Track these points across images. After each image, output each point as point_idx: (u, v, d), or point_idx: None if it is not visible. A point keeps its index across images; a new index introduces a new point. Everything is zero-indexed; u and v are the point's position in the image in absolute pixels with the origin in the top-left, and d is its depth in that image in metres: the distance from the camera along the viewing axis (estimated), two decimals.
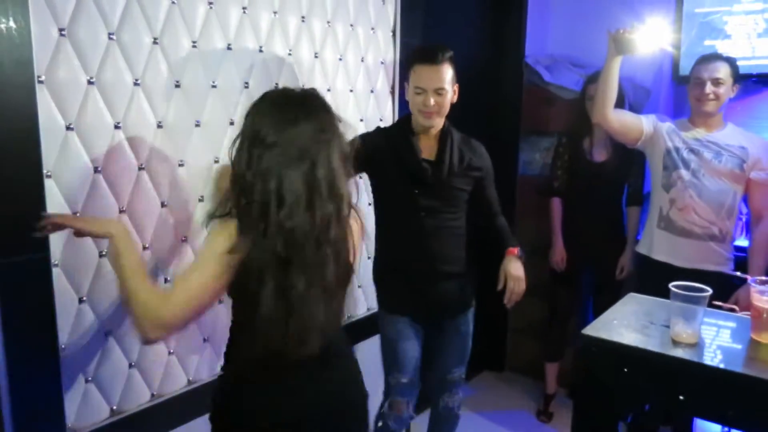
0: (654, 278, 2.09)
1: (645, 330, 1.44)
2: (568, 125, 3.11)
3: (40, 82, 1.46)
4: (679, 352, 1.33)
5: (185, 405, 1.82)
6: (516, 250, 2.21)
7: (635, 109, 2.99)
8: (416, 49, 2.21)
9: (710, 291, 1.40)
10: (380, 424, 2.22)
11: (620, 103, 2.70)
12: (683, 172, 2.54)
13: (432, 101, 2.03)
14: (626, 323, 1.48)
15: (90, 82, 1.55)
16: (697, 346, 1.37)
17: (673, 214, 2.57)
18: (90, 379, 1.64)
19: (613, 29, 2.36)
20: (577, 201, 3.00)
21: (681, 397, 1.30)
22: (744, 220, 2.96)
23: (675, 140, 2.57)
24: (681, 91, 3.25)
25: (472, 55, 3.30)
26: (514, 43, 3.35)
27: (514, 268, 2.18)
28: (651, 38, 2.34)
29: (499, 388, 3.53)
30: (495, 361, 3.71)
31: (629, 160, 2.88)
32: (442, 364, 2.29)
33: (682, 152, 2.55)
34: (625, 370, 1.35)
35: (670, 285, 1.42)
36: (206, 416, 1.43)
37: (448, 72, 2.04)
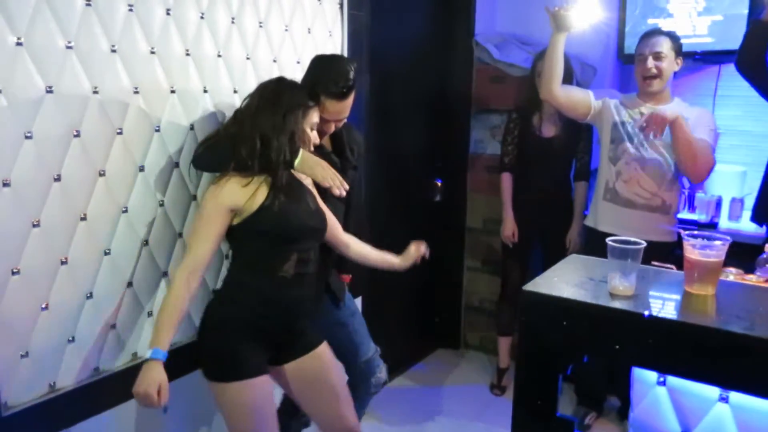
0: (601, 249, 2.11)
1: (584, 285, 1.47)
2: (518, 102, 3.15)
3: None
4: (615, 304, 1.36)
5: (128, 382, 1.77)
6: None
7: (582, 86, 3.05)
8: (320, 76, 1.90)
9: (644, 244, 1.44)
10: None
11: (568, 80, 2.75)
12: (628, 145, 2.60)
13: (332, 127, 1.98)
14: (566, 280, 1.51)
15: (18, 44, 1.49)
16: (634, 298, 1.41)
17: (618, 186, 2.63)
18: (25, 354, 1.58)
19: (551, 7, 2.41)
20: (527, 176, 3.04)
21: (617, 347, 1.34)
22: (686, 194, 3.06)
23: (622, 114, 2.63)
24: (626, 70, 3.34)
25: (420, 32, 3.31)
26: (464, 20, 3.38)
27: None
28: (585, 15, 2.41)
29: (454, 365, 3.57)
30: (450, 338, 3.74)
31: (578, 136, 2.95)
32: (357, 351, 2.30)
33: (627, 126, 2.61)
34: (564, 323, 1.38)
35: (607, 240, 1.45)
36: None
37: (353, 95, 1.95)
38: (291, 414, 2.19)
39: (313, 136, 1.81)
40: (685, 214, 3.01)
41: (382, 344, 2.32)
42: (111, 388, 1.77)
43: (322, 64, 1.96)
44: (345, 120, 2.00)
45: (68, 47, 1.59)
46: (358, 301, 2.60)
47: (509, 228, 3.07)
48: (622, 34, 3.27)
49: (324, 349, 1.92)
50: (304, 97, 1.78)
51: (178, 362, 1.74)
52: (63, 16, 1.57)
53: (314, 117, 1.80)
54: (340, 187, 1.77)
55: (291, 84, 1.81)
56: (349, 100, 1.92)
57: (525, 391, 1.47)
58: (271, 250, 1.75)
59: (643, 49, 2.56)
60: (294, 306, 1.80)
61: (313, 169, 1.77)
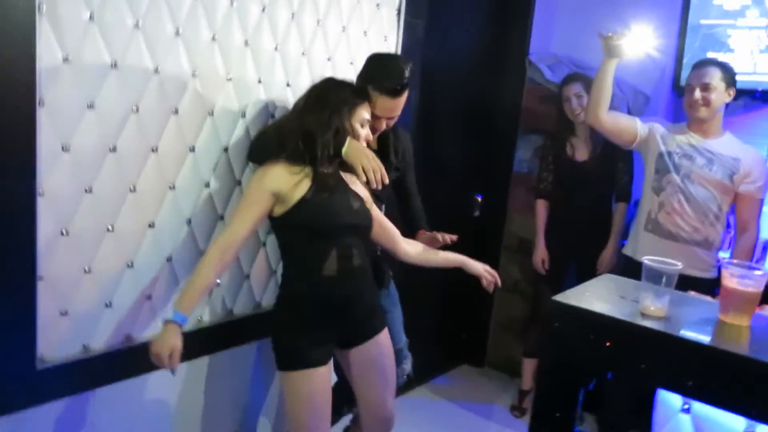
0: (636, 279, 2.10)
1: (614, 302, 1.45)
2: (551, 127, 3.14)
3: (41, 12, 1.48)
4: (645, 323, 1.34)
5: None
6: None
7: (634, 115, 3.02)
8: (375, 72, 1.95)
9: (680, 266, 1.42)
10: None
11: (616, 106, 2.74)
12: (674, 177, 2.56)
13: (384, 125, 2.02)
14: (597, 295, 1.50)
15: (91, 18, 1.58)
16: (665, 319, 1.39)
17: (661, 217, 2.59)
18: (65, 312, 1.65)
19: (605, 32, 2.40)
20: (564, 201, 3.02)
21: (642, 366, 1.32)
22: (732, 233, 2.98)
23: (669, 144, 2.59)
24: (680, 102, 3.29)
25: (474, 46, 3.33)
26: (519, 38, 3.38)
27: None
28: (639, 43, 2.39)
29: (476, 382, 3.54)
30: (475, 355, 3.71)
31: (615, 158, 2.91)
32: None
33: (674, 156, 2.57)
34: (591, 336, 1.37)
35: (643, 258, 1.43)
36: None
37: (406, 94, 1.98)
38: (345, 398, 2.22)
39: (365, 133, 1.84)
40: (724, 253, 2.93)
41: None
42: (139, 356, 1.82)
43: (377, 62, 2.00)
44: (396, 120, 2.03)
45: (136, 26, 1.67)
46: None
47: (540, 256, 3.06)
48: (680, 64, 3.22)
49: (385, 336, 1.99)
50: (350, 95, 1.82)
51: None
52: None
53: (363, 113, 1.83)
54: (378, 180, 1.79)
55: (338, 83, 1.86)
56: (402, 99, 1.95)
57: (545, 401, 1.46)
58: (310, 245, 1.80)
59: (692, 79, 2.53)
60: (346, 302, 1.85)
61: (358, 158, 1.79)
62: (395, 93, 1.91)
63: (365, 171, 1.78)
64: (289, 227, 1.80)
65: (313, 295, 1.81)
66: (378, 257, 2.14)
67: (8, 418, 1.57)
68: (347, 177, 1.88)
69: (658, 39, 2.44)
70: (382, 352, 1.98)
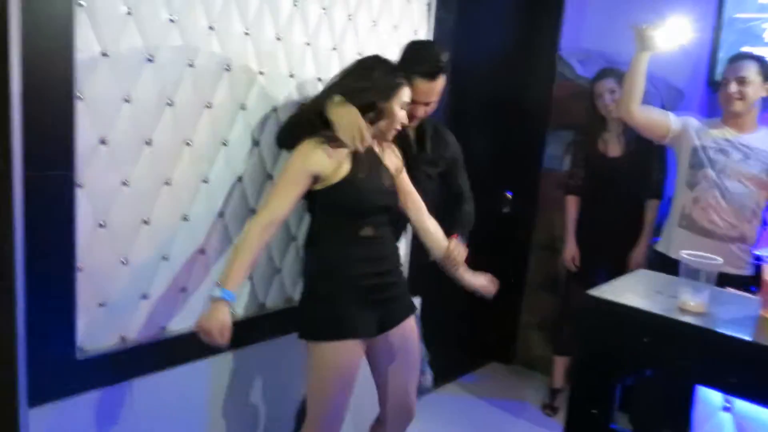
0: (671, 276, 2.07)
1: (651, 297, 1.43)
2: (583, 122, 3.10)
3: (79, 5, 1.51)
4: (685, 318, 1.32)
5: (190, 345, 1.84)
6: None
7: (667, 110, 2.97)
8: (412, 56, 1.99)
9: (721, 261, 1.39)
10: None
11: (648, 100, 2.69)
12: (709, 171, 2.51)
13: (421, 112, 2.03)
14: (633, 290, 1.47)
15: (128, 12, 1.60)
16: (705, 315, 1.36)
17: (695, 213, 2.54)
18: (103, 303, 1.68)
19: (638, 24, 2.36)
20: (594, 198, 2.99)
21: (681, 362, 1.29)
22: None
23: (703, 138, 2.54)
24: (715, 97, 3.22)
25: (504, 41, 3.31)
26: (549, 33, 3.35)
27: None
28: (673, 36, 2.34)
29: (506, 380, 3.52)
30: (504, 353, 3.69)
31: (648, 154, 2.86)
32: None
33: (709, 151, 2.52)
34: (627, 332, 1.35)
35: (681, 252, 1.41)
36: (208, 359, 1.72)
37: (443, 81, 2.00)
38: None
39: (402, 115, 1.86)
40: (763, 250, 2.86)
41: (435, 348, 2.32)
42: (175, 347, 1.85)
43: (414, 47, 2.04)
44: (433, 107, 2.03)
45: (171, 20, 1.69)
46: (417, 301, 2.60)
47: (570, 252, 3.03)
48: (714, 59, 3.16)
49: (412, 321, 1.98)
50: (394, 75, 1.83)
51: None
52: None
53: (405, 96, 1.84)
54: (357, 144, 1.78)
55: (385, 61, 1.87)
56: (438, 84, 1.97)
57: (580, 398, 1.44)
58: (346, 221, 1.83)
59: (728, 73, 2.48)
60: (384, 262, 1.88)
61: (342, 118, 1.77)
62: (431, 75, 1.93)
63: (345, 131, 1.76)
64: (327, 204, 1.83)
65: (353, 254, 1.82)
66: None
67: (50, 406, 1.60)
68: (378, 149, 1.89)
69: (693, 32, 2.39)
70: (410, 336, 1.97)
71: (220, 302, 1.66)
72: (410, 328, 1.98)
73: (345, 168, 1.78)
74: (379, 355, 1.96)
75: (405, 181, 1.99)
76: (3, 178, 1.45)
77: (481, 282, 2.11)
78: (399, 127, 1.87)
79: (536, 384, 3.45)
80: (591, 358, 1.41)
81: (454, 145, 2.24)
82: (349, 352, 1.81)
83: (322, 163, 1.76)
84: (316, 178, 1.78)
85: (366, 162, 1.81)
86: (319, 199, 1.84)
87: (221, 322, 1.65)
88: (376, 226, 1.85)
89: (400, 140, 1.99)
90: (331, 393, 1.82)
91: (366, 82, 1.78)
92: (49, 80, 1.48)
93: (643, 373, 1.42)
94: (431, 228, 2.06)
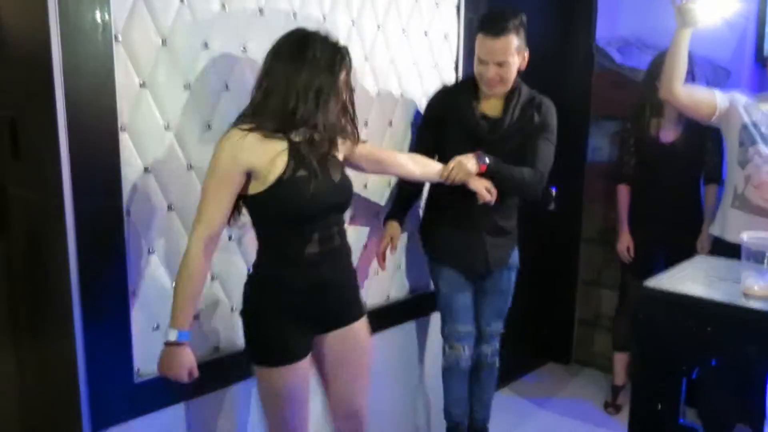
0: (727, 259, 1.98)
1: (713, 284, 1.37)
2: (632, 108, 3.00)
3: (117, 41, 1.55)
4: (751, 303, 1.26)
5: (242, 363, 1.84)
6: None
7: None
8: (482, 16, 2.21)
9: None
10: (444, 365, 2.39)
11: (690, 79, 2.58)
12: (761, 147, 2.39)
13: (492, 72, 2.05)
14: (693, 278, 1.41)
15: (163, 44, 1.64)
16: None
17: (748, 192, 2.43)
18: (156, 327, 1.71)
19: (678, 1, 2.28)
20: (647, 186, 2.88)
21: (750, 350, 1.23)
22: None
23: (753, 114, 2.43)
24: (764, 73, 3.08)
25: (539, 36, 3.23)
26: (584, 24, 3.28)
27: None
28: (716, 9, 2.24)
29: (564, 380, 3.44)
30: (561, 352, 3.61)
31: (703, 137, 2.75)
32: (481, 317, 2.40)
33: (760, 127, 2.41)
34: (690, 322, 1.29)
35: (742, 234, 1.35)
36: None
37: (511, 43, 2.03)
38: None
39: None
40: None
41: None
42: (229, 367, 1.87)
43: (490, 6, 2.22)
44: (507, 71, 2.06)
45: (204, 47, 1.72)
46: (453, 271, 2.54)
47: (624, 243, 2.93)
48: (762, 32, 3.03)
49: (362, 326, 1.81)
50: (334, 52, 1.59)
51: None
52: None
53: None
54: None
55: (321, 38, 1.61)
56: (502, 43, 2.02)
57: (643, 394, 1.38)
58: (290, 230, 1.62)
59: None
60: (328, 284, 1.68)
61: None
62: (492, 33, 2.01)
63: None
64: (266, 210, 1.60)
65: (294, 275, 1.62)
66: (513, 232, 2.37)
67: (113, 431, 1.64)
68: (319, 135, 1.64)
69: (737, 3, 2.28)
70: (357, 343, 1.79)
71: (176, 348, 1.56)
72: (361, 331, 1.80)
73: (279, 165, 1.54)
74: (328, 354, 1.77)
75: (370, 149, 1.88)
76: (56, 210, 1.51)
77: (478, 186, 2.07)
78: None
79: (596, 382, 3.35)
80: (651, 351, 1.36)
81: (550, 116, 2.23)
82: (295, 374, 1.66)
83: (256, 153, 1.52)
84: (248, 176, 1.55)
85: (307, 155, 1.56)
86: (253, 209, 1.62)
87: (187, 364, 1.58)
88: (324, 236, 1.64)
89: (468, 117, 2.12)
90: (287, 415, 1.70)
91: (301, 65, 1.54)
92: (95, 114, 1.53)
93: (708, 364, 1.35)
94: (417, 171, 2.05)
